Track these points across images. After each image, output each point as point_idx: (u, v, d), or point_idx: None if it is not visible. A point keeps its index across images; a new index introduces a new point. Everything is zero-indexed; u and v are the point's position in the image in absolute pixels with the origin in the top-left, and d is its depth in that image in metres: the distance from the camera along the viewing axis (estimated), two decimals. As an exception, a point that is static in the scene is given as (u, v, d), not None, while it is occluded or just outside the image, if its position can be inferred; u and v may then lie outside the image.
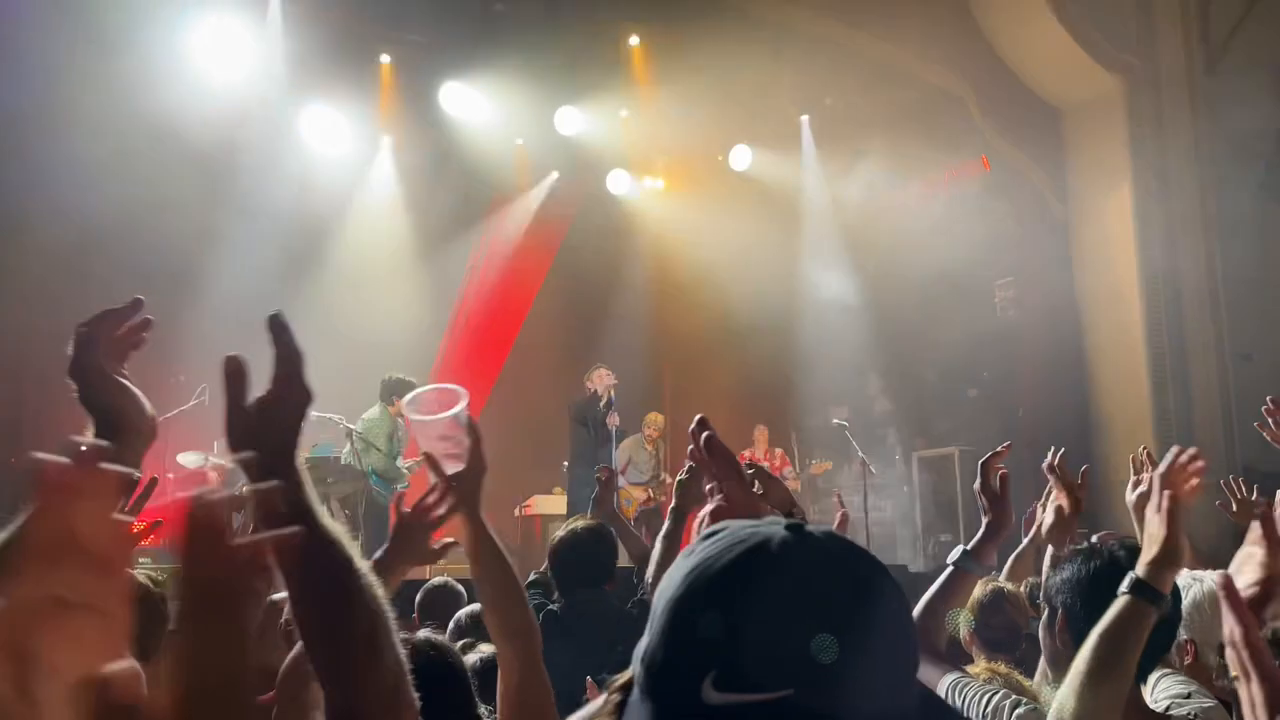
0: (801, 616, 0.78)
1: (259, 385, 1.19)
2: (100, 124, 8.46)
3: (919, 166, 10.98)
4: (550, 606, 3.27)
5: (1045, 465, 2.88)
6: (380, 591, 1.18)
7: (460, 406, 1.84)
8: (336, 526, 1.17)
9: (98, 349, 1.42)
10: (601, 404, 9.19)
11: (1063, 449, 2.91)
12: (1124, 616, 1.76)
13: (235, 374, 1.17)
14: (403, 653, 1.19)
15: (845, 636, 0.77)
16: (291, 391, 1.18)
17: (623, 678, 0.90)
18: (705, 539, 0.86)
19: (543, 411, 10.50)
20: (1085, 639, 1.93)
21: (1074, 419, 10.27)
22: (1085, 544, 2.15)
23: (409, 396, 1.96)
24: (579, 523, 3.42)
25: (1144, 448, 2.94)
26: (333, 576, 1.14)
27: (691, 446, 1.42)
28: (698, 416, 1.44)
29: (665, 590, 0.84)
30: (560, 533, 3.40)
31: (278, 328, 1.19)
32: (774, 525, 0.85)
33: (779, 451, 10.79)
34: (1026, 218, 10.84)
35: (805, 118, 11.81)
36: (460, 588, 3.82)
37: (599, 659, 2.26)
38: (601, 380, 9.32)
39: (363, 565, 1.17)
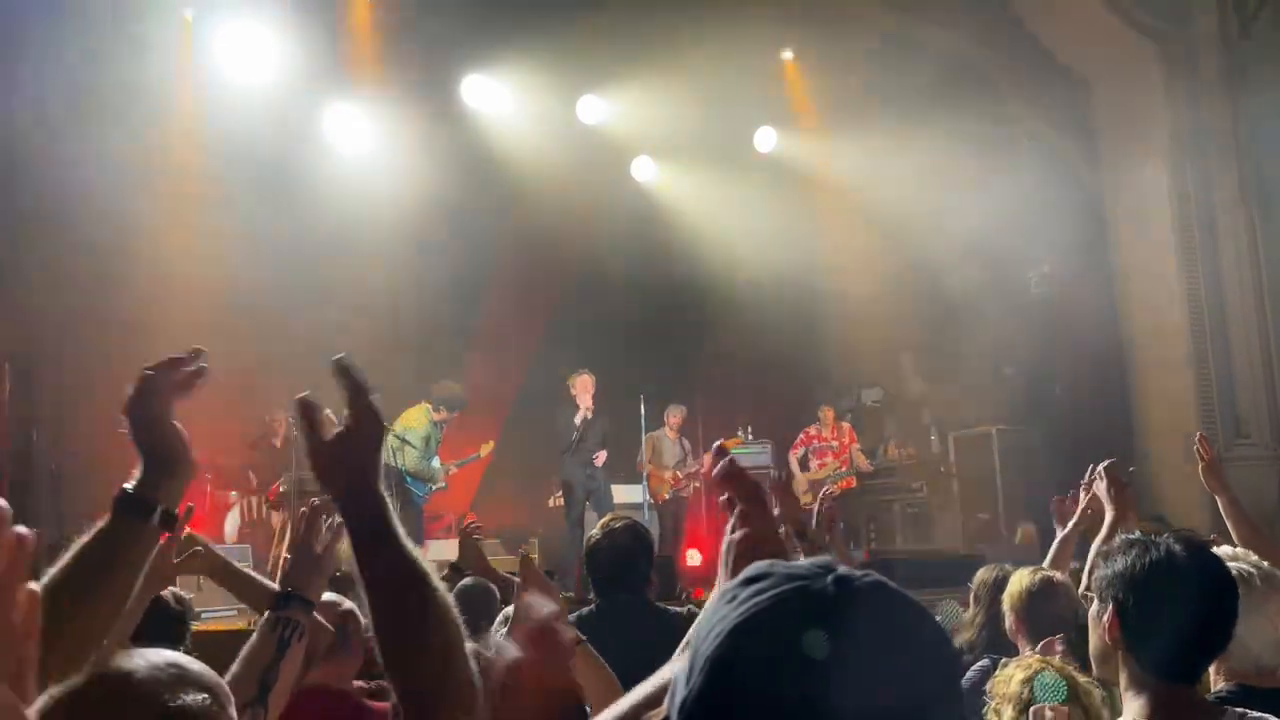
0: (853, 682, 0.75)
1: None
2: (129, 124, 8.52)
3: (945, 142, 10.82)
4: (583, 610, 3.23)
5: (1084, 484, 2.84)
6: (454, 610, 1.28)
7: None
8: (414, 547, 1.28)
9: (158, 393, 1.52)
10: (577, 420, 9.19)
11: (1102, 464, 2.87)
12: None
13: (306, 412, 1.28)
14: (474, 667, 1.26)
15: (897, 699, 0.76)
16: (365, 424, 1.30)
17: (658, 714, 0.88)
18: (746, 584, 0.83)
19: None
20: (1139, 635, 1.87)
21: (1112, 393, 10.12)
22: (1139, 535, 2.06)
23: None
24: (617, 523, 3.36)
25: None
26: (409, 593, 1.25)
27: (714, 474, 1.38)
28: (715, 444, 1.43)
29: (705, 641, 0.81)
30: (596, 533, 3.35)
31: (341, 370, 1.29)
32: (819, 577, 0.82)
33: (846, 426, 10.65)
34: (1057, 191, 10.66)
35: (829, 95, 11.68)
36: (494, 587, 3.80)
37: (636, 663, 2.22)
38: (584, 389, 9.31)
39: (439, 583, 1.28)
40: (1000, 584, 3.54)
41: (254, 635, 2.14)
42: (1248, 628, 2.21)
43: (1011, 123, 10.85)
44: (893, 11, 10.36)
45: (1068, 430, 9.84)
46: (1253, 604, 2.29)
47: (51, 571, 1.37)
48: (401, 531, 1.26)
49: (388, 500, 1.28)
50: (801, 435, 10.51)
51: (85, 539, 1.41)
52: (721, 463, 1.34)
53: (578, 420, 9.24)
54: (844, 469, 10.27)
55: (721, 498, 1.33)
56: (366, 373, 1.31)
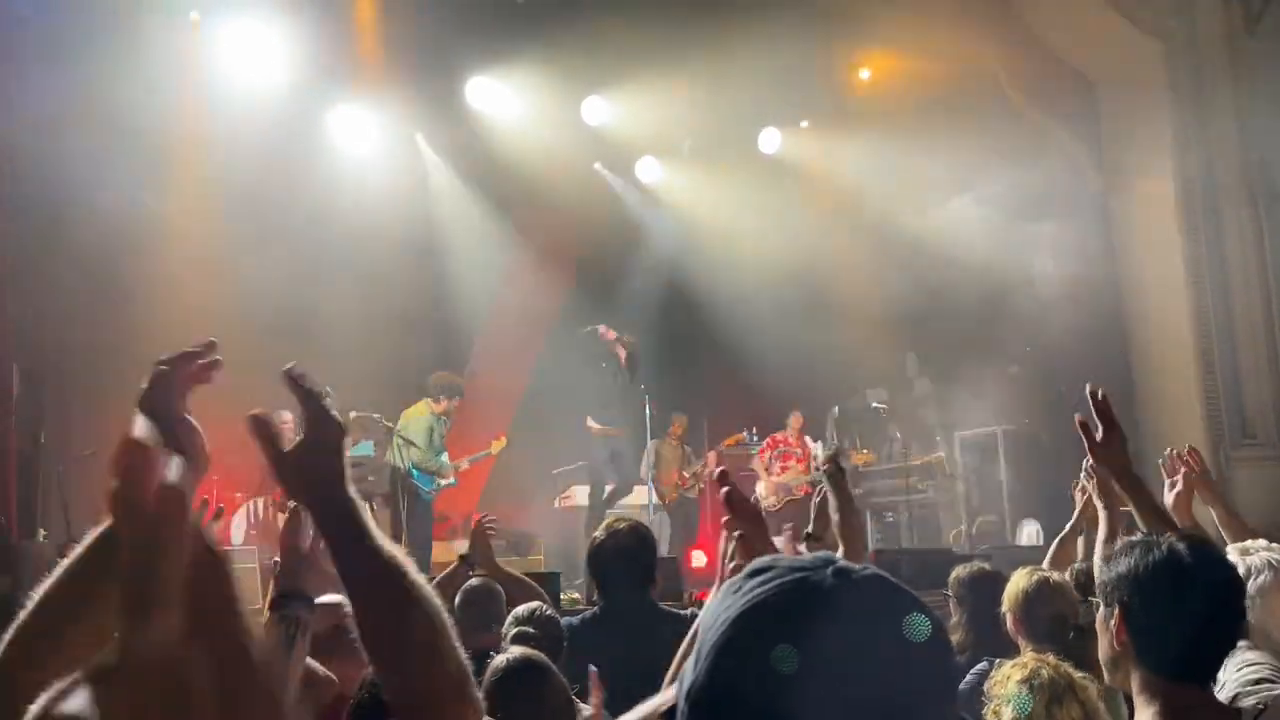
0: (850, 669, 0.79)
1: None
2: (135, 126, 8.54)
3: (951, 141, 10.81)
4: (590, 610, 3.23)
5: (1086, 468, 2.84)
6: (436, 601, 1.28)
7: None
8: (389, 544, 1.28)
9: (171, 387, 1.50)
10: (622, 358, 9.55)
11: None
12: None
13: (260, 430, 1.26)
14: (464, 656, 1.27)
15: (892, 687, 0.79)
16: (322, 431, 1.29)
17: (666, 702, 0.90)
18: (750, 576, 0.86)
19: (579, 400, 10.49)
20: (1147, 637, 1.85)
21: (1117, 394, 10.04)
22: (1140, 535, 2.03)
23: None
24: (620, 524, 3.37)
25: (1171, 450, 2.94)
26: (388, 592, 1.25)
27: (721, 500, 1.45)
28: (718, 470, 1.49)
29: (711, 629, 0.85)
30: (599, 534, 3.36)
31: (291, 380, 1.30)
32: (820, 569, 0.85)
33: (807, 440, 10.74)
34: (1063, 190, 10.64)
35: (834, 97, 11.67)
36: (499, 587, 3.81)
37: (639, 663, 2.22)
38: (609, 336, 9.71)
39: (418, 576, 1.28)
40: (973, 581, 3.53)
41: None
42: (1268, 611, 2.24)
43: (1017, 121, 10.83)
44: (901, 13, 10.32)
45: (1073, 430, 9.82)
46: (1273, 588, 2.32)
47: (65, 565, 1.36)
48: (376, 531, 1.27)
49: (357, 503, 1.28)
50: (768, 440, 10.61)
51: (99, 532, 1.39)
52: (724, 490, 1.40)
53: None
54: (806, 475, 10.38)
55: (722, 519, 1.38)
56: (318, 381, 1.31)
